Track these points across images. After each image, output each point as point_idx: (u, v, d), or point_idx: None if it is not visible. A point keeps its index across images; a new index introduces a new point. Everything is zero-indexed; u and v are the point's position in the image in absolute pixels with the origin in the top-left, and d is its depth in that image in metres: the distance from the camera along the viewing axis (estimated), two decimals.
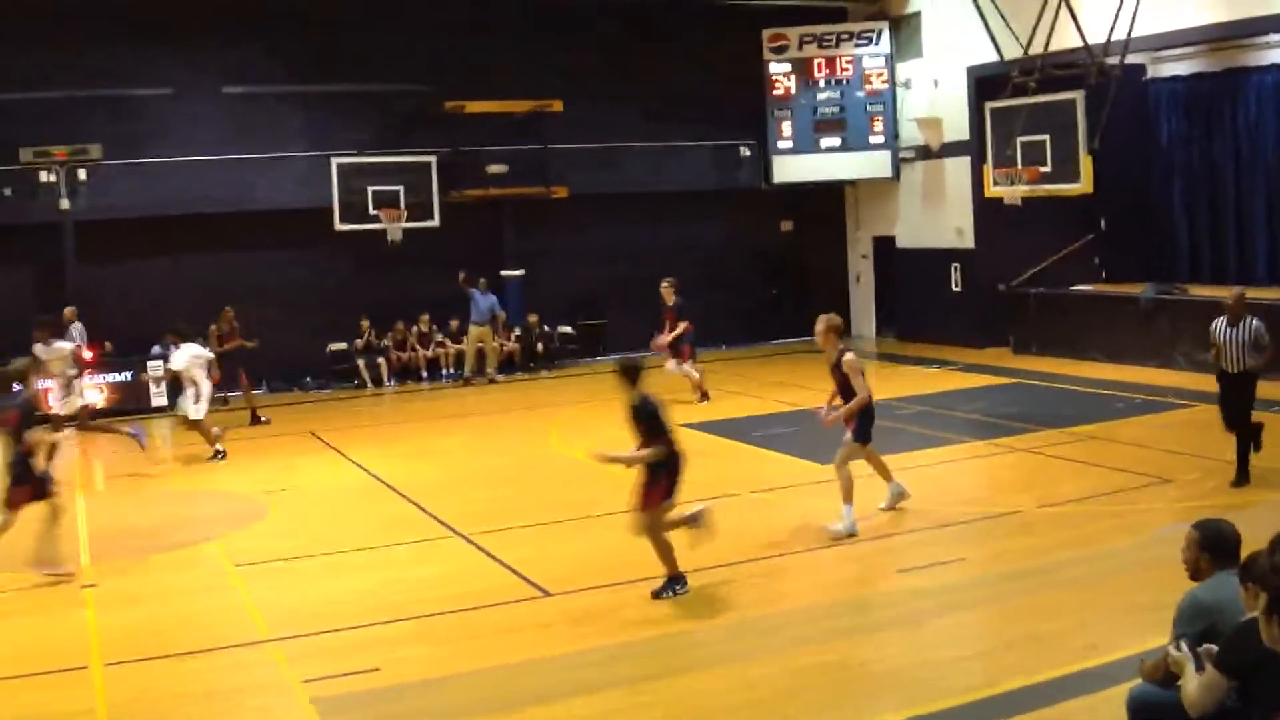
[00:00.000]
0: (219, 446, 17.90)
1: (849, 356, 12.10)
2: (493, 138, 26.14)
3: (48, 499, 11.92)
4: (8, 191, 22.97)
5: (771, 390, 21.95)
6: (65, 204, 23.17)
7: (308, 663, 9.21)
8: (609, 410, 20.91)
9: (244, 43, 24.67)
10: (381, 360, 25.43)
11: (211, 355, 18.52)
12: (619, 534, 11.13)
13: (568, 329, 27.64)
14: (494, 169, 26.18)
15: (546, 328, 27.00)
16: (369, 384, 25.09)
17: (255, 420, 21.10)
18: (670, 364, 20.67)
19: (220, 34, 24.40)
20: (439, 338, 25.97)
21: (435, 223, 24.87)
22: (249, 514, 14.39)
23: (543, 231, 27.10)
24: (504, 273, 26.77)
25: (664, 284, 21.04)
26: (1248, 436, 13.00)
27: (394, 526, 13.49)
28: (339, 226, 24.34)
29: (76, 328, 21.89)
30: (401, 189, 24.71)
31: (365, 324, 25.47)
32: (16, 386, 13.02)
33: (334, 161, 24.32)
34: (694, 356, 21.10)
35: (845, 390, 12.17)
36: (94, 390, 21.66)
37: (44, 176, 23.01)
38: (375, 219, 24.47)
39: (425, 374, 25.82)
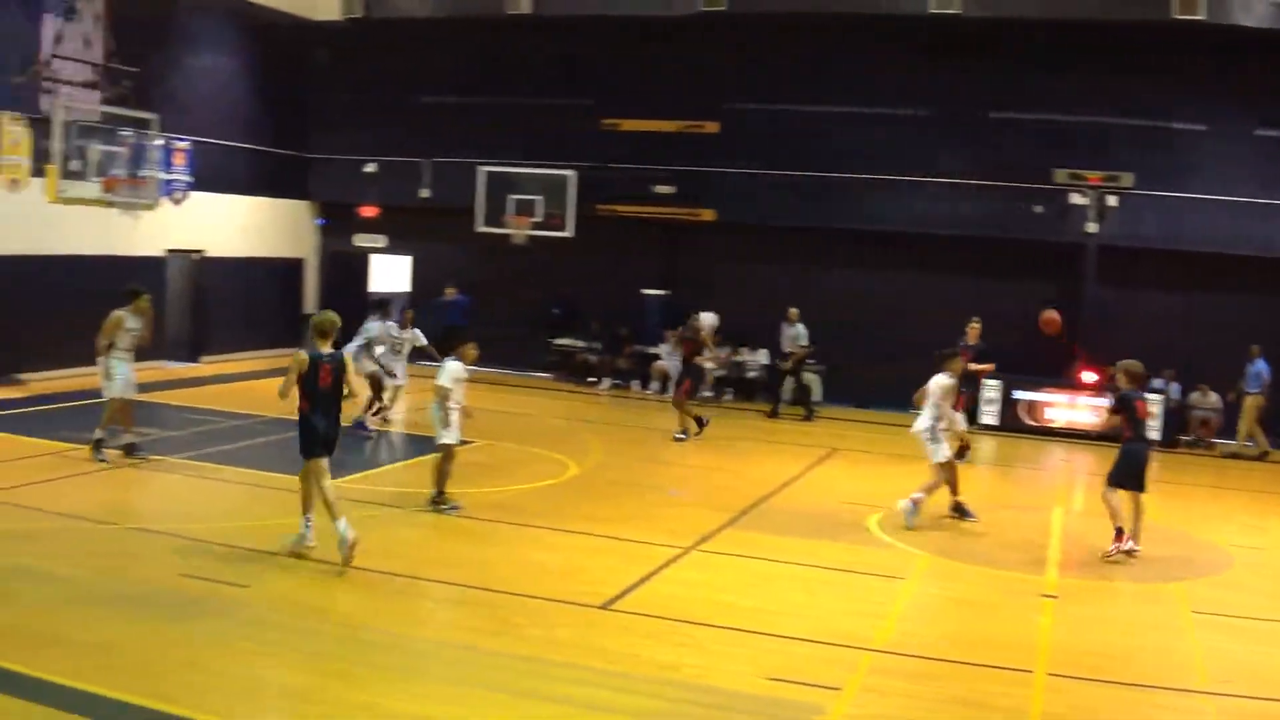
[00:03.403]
0: None
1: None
2: None
3: None
4: (1039, 209, 24.23)
5: None
6: (1091, 227, 23.97)
7: None
8: None
9: None
10: None
11: None
12: None
13: None
14: None
15: None
16: None
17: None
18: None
19: (1258, 77, 23.72)
20: None
21: None
22: (1213, 563, 14.13)
23: None
24: None
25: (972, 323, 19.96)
26: None
27: None
28: None
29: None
30: None
31: None
32: None
33: None
34: None
35: None
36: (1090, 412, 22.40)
37: (1074, 199, 23.96)
38: None
39: None
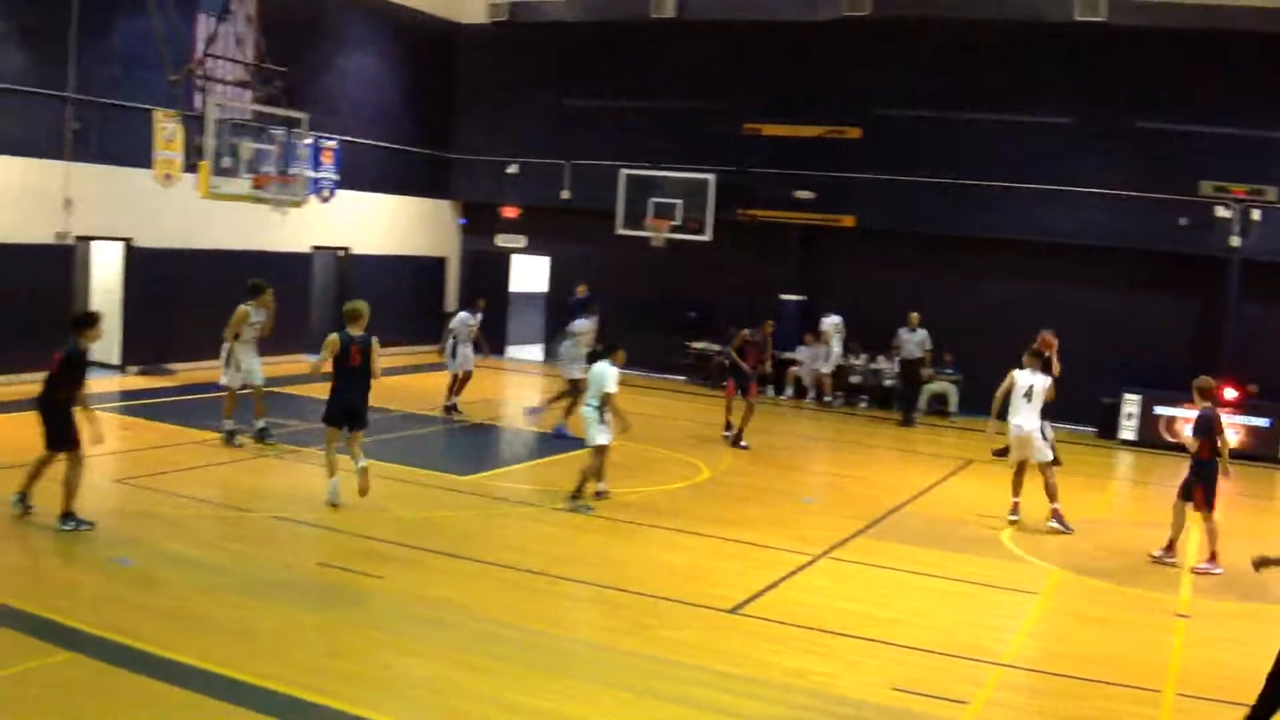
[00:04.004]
0: None
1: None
2: None
3: None
4: (1184, 221, 23.64)
5: None
6: (1235, 241, 23.32)
7: None
8: None
9: None
10: None
11: None
12: None
13: None
14: None
15: None
16: None
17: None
18: None
19: None
20: None
21: None
22: None
23: None
24: None
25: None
26: None
27: None
28: None
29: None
30: None
31: None
32: None
33: None
34: None
35: None
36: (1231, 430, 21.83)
37: (1220, 212, 23.32)
38: None
39: None
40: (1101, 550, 14.51)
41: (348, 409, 13.73)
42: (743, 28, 27.11)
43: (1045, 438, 15.43)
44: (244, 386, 16.97)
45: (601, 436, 14.66)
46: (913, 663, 9.87)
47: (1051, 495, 15.17)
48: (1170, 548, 13.90)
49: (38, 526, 11.95)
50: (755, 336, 20.50)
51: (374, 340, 13.78)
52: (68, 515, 11.85)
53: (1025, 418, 15.26)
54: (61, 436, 11.92)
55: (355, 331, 13.68)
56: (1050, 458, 15.39)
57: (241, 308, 16.85)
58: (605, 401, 14.59)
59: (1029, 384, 15.38)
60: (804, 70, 26.89)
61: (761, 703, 8.78)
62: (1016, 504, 15.56)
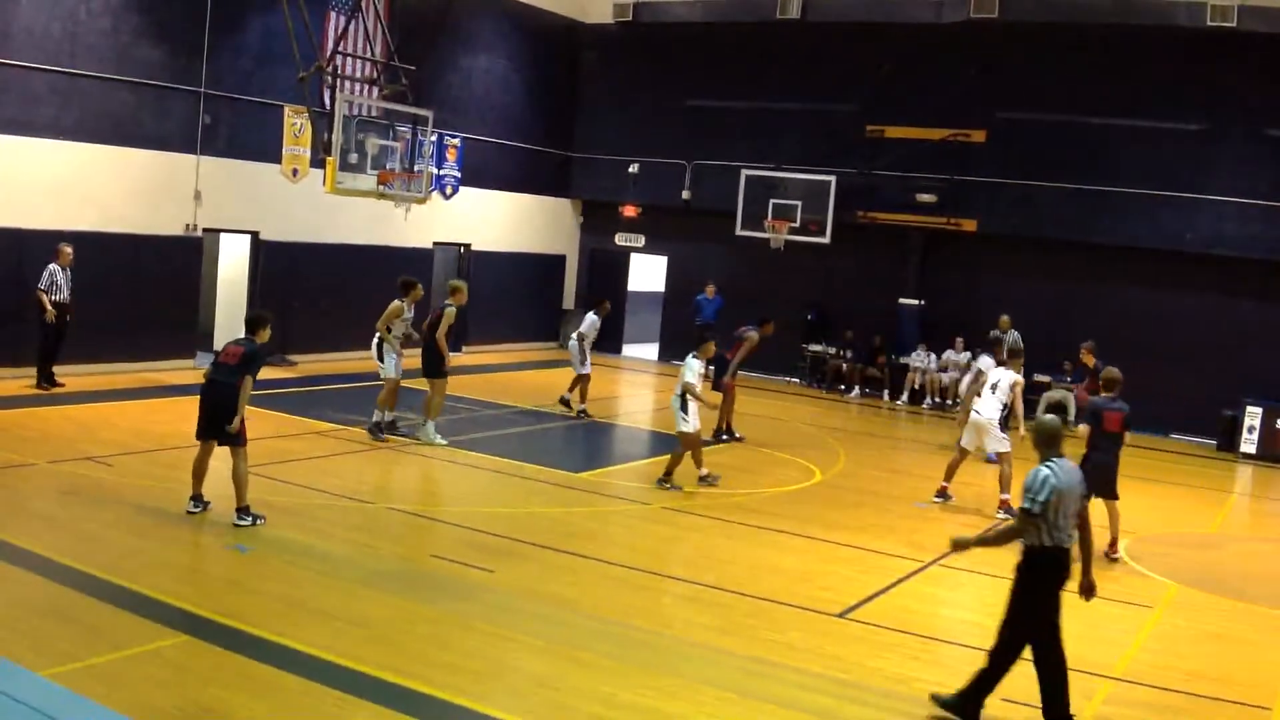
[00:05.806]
0: None
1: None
2: None
3: None
4: None
5: None
6: None
7: None
8: None
9: None
10: None
11: None
12: None
13: None
14: None
15: None
16: None
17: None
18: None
19: None
20: None
21: None
22: None
23: None
24: None
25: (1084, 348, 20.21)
26: None
27: None
28: None
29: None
30: None
31: None
32: None
33: None
34: None
35: None
36: None
37: None
38: None
39: None
40: (1220, 565, 14.20)
41: (423, 360, 17.19)
42: (867, 30, 26.93)
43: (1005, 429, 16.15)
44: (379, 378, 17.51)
45: (683, 425, 15.47)
46: (1021, 673, 9.72)
47: (1004, 486, 15.61)
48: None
49: (159, 514, 12.30)
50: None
51: (447, 309, 17.07)
52: (244, 510, 12.13)
53: (986, 407, 15.89)
54: (239, 431, 12.15)
55: (448, 301, 17.29)
56: (1006, 449, 15.81)
57: (395, 303, 17.21)
58: (686, 391, 15.47)
59: (997, 378, 16.06)
60: (928, 73, 26.59)
61: (863, 707, 8.75)
62: (945, 488, 16.19)
